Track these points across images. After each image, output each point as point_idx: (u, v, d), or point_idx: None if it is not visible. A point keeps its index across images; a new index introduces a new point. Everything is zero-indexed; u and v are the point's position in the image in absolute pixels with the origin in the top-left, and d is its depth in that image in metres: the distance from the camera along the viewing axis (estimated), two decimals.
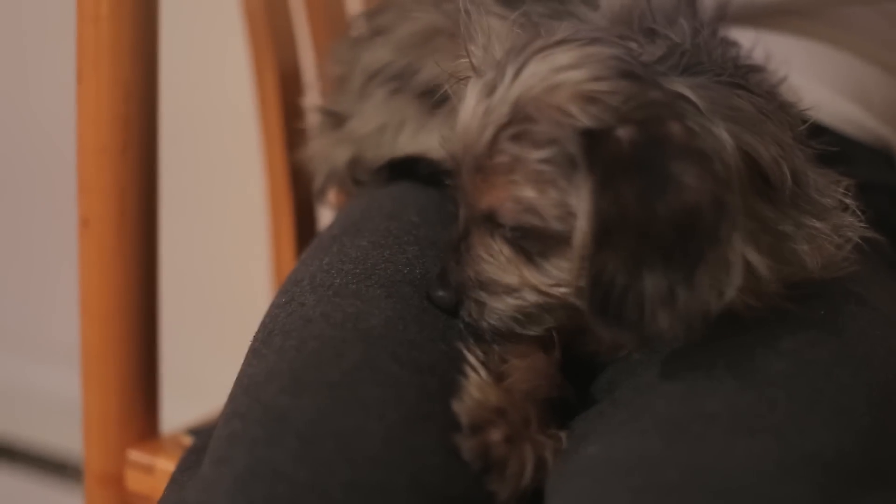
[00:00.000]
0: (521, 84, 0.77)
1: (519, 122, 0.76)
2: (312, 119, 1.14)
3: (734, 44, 0.91)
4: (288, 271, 0.97)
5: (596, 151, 0.73)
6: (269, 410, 0.77)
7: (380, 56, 1.04)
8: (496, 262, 0.82)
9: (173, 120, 1.16)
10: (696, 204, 0.72)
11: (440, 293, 0.84)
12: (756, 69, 0.88)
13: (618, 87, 0.75)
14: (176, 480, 0.90)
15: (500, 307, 0.82)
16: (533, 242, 0.79)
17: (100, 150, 1.07)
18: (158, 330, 1.14)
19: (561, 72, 0.76)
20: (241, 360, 0.87)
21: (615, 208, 0.73)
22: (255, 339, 0.88)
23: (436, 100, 0.93)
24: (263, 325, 0.89)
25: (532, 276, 0.80)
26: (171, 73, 1.12)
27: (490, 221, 0.81)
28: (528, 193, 0.77)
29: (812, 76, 1.02)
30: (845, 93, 1.03)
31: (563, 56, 0.77)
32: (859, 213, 0.82)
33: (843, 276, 0.83)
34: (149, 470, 1.12)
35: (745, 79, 0.83)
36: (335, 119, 1.07)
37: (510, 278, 0.81)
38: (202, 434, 1.03)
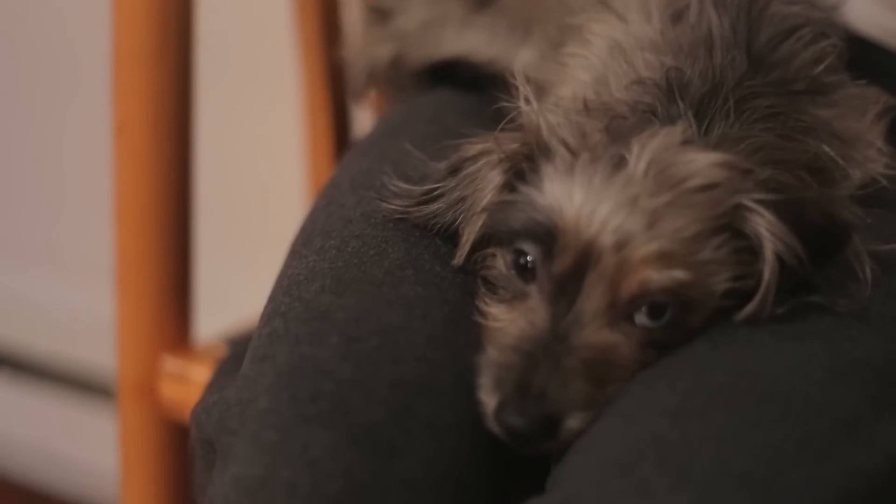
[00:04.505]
0: (654, 156, 0.72)
1: (670, 191, 0.71)
2: (354, 15, 1.11)
3: None
4: (324, 179, 0.96)
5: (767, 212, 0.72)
6: (311, 308, 0.77)
7: None
8: (617, 359, 0.73)
9: (208, 23, 1.14)
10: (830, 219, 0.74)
11: (532, 414, 0.71)
12: None
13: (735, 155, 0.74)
14: (214, 383, 0.89)
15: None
16: (670, 331, 0.73)
17: (135, 56, 1.06)
18: (193, 238, 1.13)
19: (682, 144, 0.73)
20: (276, 272, 0.86)
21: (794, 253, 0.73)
22: (295, 241, 0.87)
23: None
24: (303, 228, 0.88)
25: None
26: None
27: (621, 312, 0.73)
28: (688, 270, 0.71)
29: None
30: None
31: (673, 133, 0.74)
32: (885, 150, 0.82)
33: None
34: (182, 378, 1.12)
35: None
36: (381, 15, 1.05)
37: (623, 379, 0.73)
38: (238, 343, 1.03)
